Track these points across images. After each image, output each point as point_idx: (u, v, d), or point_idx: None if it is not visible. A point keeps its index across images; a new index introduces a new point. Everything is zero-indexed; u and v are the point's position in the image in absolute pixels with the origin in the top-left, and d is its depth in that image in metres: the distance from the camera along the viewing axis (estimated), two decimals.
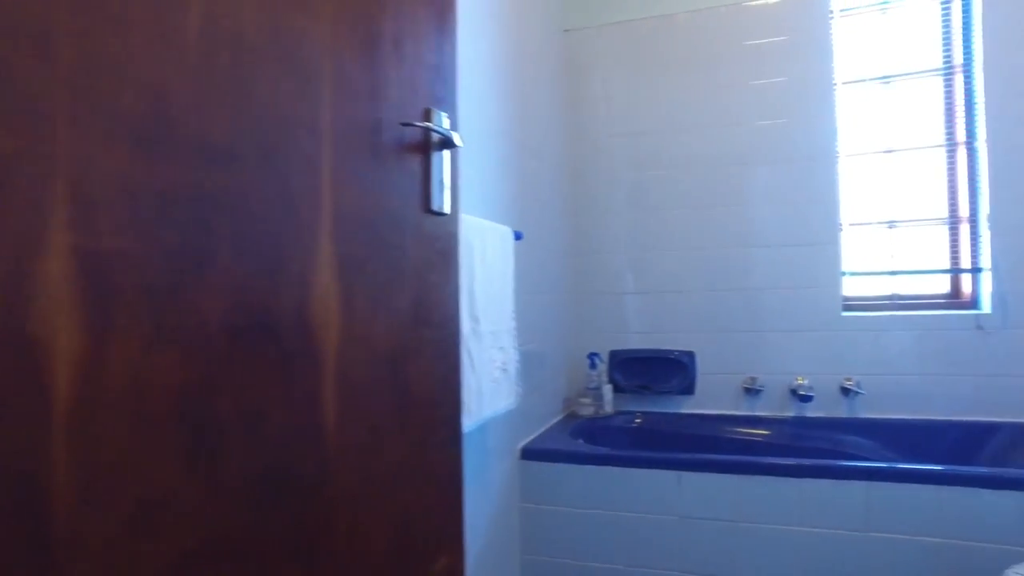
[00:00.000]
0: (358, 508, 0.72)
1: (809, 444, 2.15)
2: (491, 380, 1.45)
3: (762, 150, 2.33)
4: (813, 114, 2.29)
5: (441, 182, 0.90)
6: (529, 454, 1.86)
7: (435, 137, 0.88)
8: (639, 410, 2.38)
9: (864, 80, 2.35)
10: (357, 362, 0.72)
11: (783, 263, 2.29)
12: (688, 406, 2.35)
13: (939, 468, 1.55)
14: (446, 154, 0.91)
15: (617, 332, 2.47)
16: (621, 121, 2.50)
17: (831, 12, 2.32)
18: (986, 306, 2.11)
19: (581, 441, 2.05)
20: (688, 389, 2.34)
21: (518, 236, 1.70)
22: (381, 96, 0.78)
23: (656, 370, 2.38)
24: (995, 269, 2.08)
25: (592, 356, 2.37)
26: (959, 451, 1.99)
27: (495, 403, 1.47)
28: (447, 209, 0.92)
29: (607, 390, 2.35)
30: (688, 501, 1.69)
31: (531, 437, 1.99)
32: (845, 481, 1.58)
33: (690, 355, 2.35)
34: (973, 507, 1.48)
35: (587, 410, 2.33)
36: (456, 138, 0.89)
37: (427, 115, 0.87)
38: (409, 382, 0.82)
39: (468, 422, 1.31)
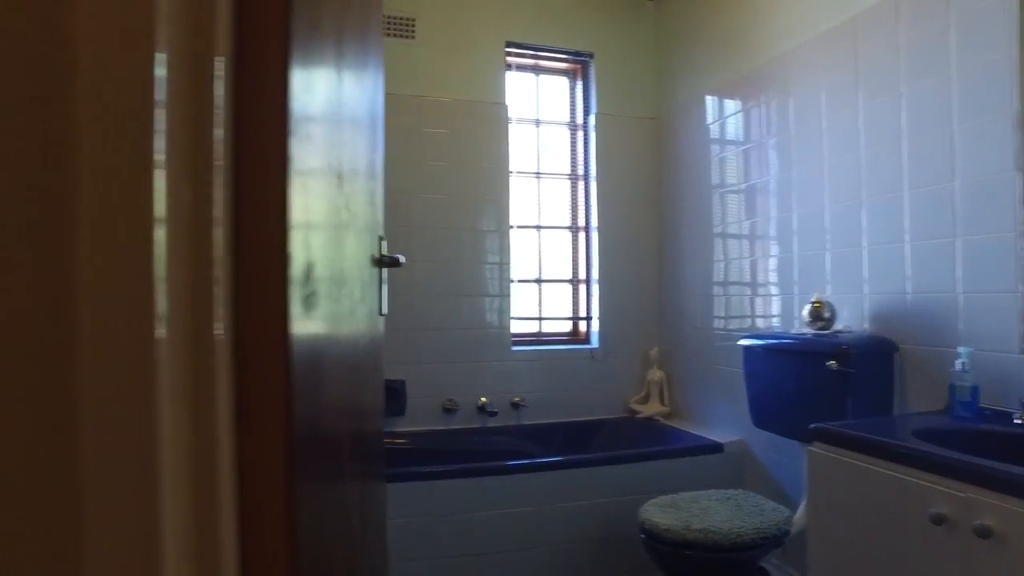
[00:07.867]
0: None
1: (496, 448, 2.83)
2: None
3: (469, 218, 2.95)
4: (497, 193, 3.01)
5: None
6: None
7: None
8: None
9: (525, 172, 3.18)
10: None
11: (472, 309, 2.94)
12: (401, 425, 2.81)
13: (590, 456, 2.38)
14: None
15: None
16: None
17: (509, 117, 3.08)
18: (595, 342, 3.12)
19: None
20: (400, 411, 2.80)
21: None
22: None
23: None
24: (600, 318, 3.11)
25: None
26: (585, 438, 2.93)
27: None
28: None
29: None
30: (437, 504, 2.17)
31: None
32: (536, 473, 2.29)
33: (401, 383, 2.81)
34: (601, 478, 2.34)
35: None
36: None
37: None
38: None
39: None
